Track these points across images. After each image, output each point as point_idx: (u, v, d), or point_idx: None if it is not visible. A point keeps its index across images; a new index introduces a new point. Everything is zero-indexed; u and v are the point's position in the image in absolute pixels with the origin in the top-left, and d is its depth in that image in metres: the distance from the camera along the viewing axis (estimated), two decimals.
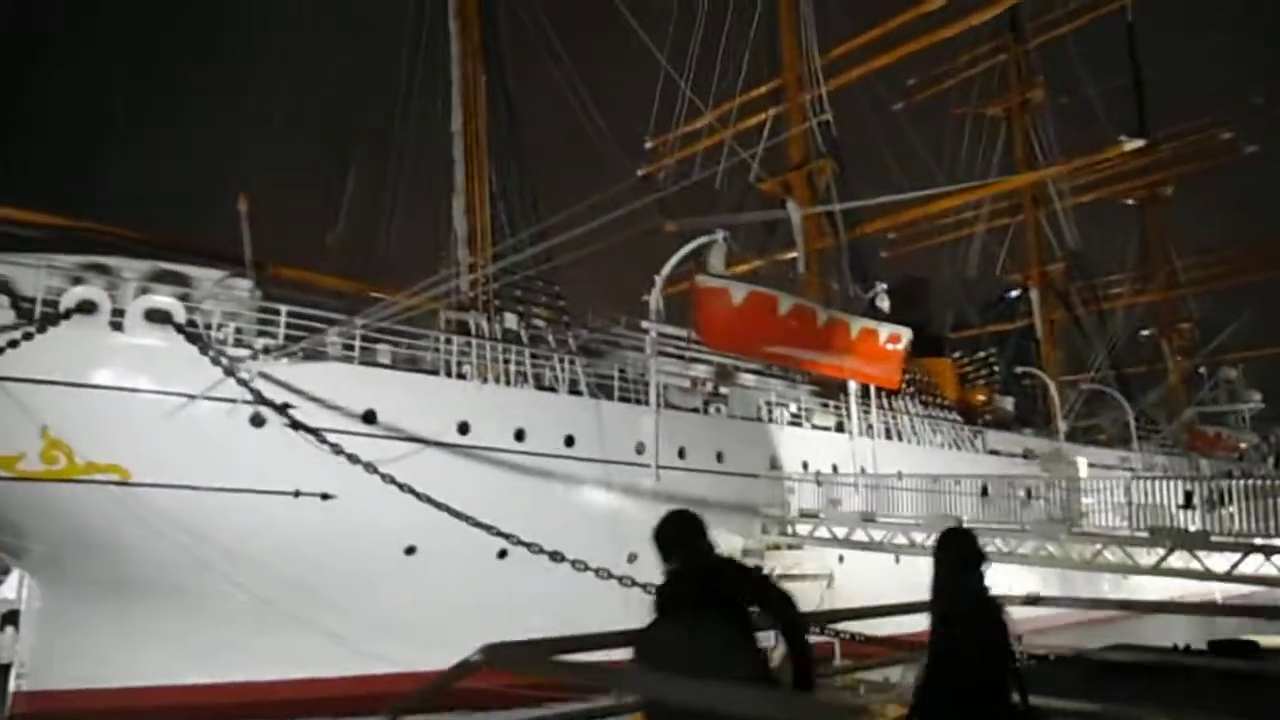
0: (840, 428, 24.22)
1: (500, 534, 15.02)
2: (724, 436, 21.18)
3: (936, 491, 17.18)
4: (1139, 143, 27.48)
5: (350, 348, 16.41)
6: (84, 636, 15.86)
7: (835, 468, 22.98)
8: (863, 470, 22.79)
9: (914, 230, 48.74)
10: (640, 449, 19.57)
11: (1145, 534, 14.26)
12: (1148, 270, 58.53)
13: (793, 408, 23.09)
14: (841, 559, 21.87)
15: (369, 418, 16.14)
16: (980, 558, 3.66)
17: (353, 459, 14.18)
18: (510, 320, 18.89)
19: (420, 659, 16.92)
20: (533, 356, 18.75)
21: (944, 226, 48.26)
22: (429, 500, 14.36)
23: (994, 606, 3.51)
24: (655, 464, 19.52)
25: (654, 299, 19.99)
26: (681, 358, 22.73)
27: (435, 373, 17.06)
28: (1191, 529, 13.59)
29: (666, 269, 20.05)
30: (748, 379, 24.54)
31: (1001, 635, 3.43)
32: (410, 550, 16.84)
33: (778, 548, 21.08)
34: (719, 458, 20.99)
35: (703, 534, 3.75)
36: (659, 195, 18.98)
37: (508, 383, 17.98)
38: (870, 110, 39.27)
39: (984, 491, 16.55)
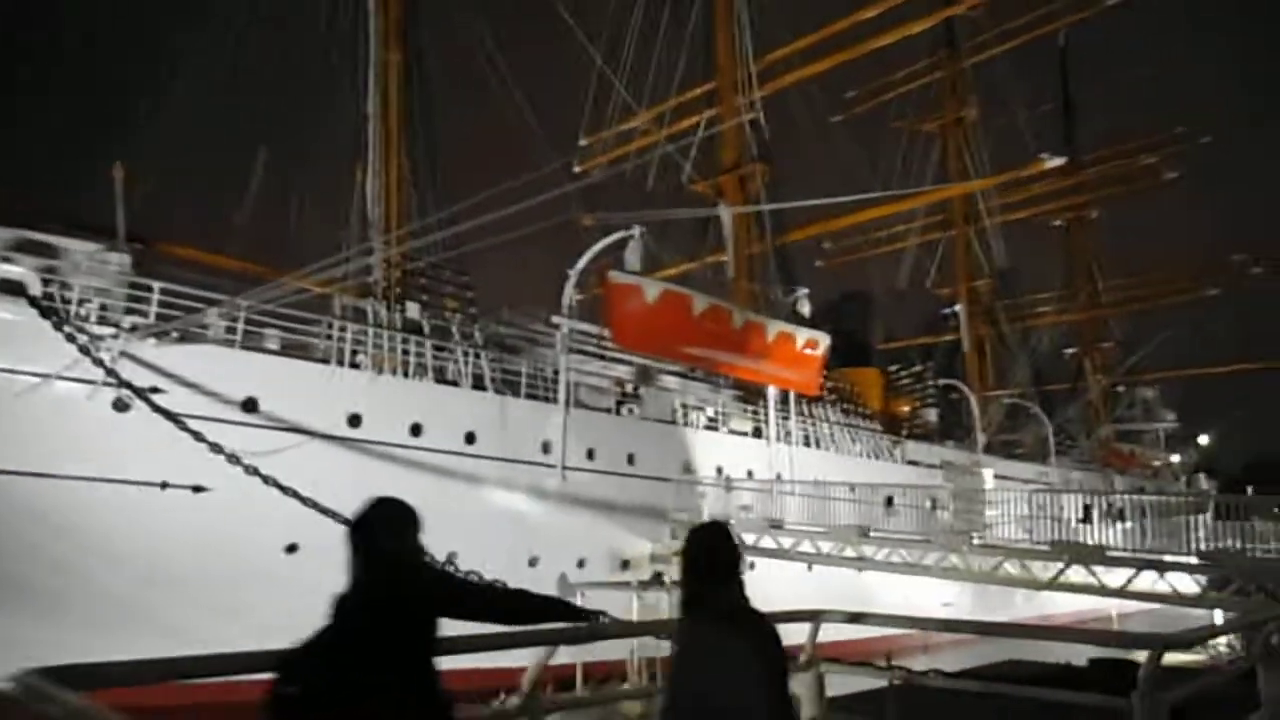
0: (758, 433, 23.85)
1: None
2: (636, 438, 20.60)
3: (841, 500, 16.84)
4: (1059, 161, 27.77)
5: (234, 331, 15.35)
6: None
7: (751, 474, 22.60)
8: (778, 477, 22.46)
9: (848, 241, 49.20)
10: (547, 448, 18.87)
11: (1045, 547, 14.08)
12: (1073, 290, 59.96)
13: (709, 411, 22.61)
14: (753, 566, 21.45)
15: (249, 406, 15.13)
16: (735, 564, 3.06)
17: (215, 448, 13.16)
18: (413, 310, 18.02)
19: None
20: (436, 348, 17.90)
21: (877, 239, 48.71)
22: (294, 494, 13.40)
23: (757, 624, 2.91)
24: (562, 464, 18.86)
25: (567, 294, 19.32)
26: (602, 357, 22.07)
27: (326, 361, 16.10)
28: (1089, 543, 13.42)
29: (581, 262, 19.41)
30: (670, 381, 24.02)
31: (771, 656, 2.83)
32: (292, 548, 15.85)
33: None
34: (630, 460, 20.38)
35: (409, 531, 3.05)
36: (579, 184, 18.25)
37: (406, 375, 17.08)
38: (807, 118, 39.14)
39: (888, 502, 16.24)
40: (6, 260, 14.12)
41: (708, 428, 22.67)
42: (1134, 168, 56.99)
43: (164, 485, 14.45)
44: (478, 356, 18.19)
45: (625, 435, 20.42)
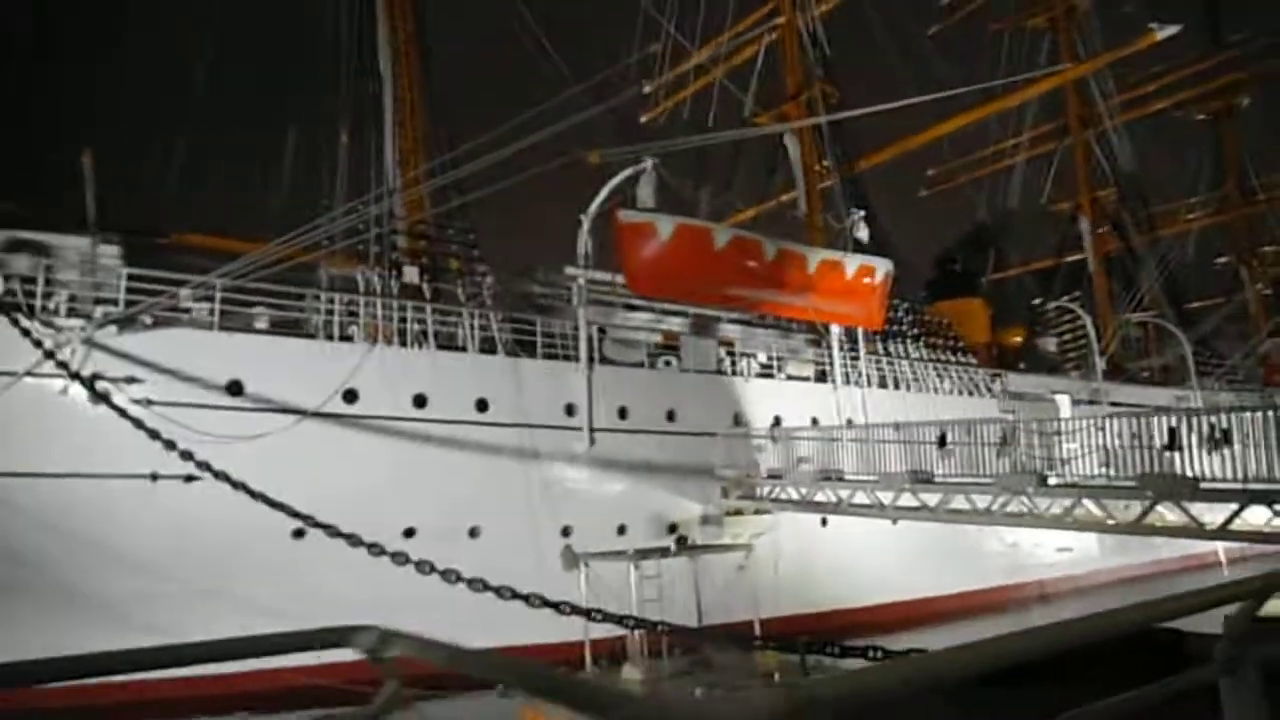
0: (823, 377, 21.65)
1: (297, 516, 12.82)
2: (676, 393, 18.92)
3: (892, 443, 14.63)
4: (1173, 29, 23.68)
5: (220, 313, 14.70)
6: None
7: (815, 422, 20.51)
8: (848, 423, 20.28)
9: (950, 165, 45.33)
10: (571, 411, 17.52)
11: (1128, 483, 11.54)
12: (1223, 191, 53.18)
13: (761, 357, 20.59)
14: (825, 522, 19.52)
15: (234, 388, 14.48)
16: None
17: (153, 435, 12.40)
18: (411, 274, 16.94)
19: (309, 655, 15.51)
20: (442, 313, 16.79)
21: (982, 160, 44.50)
22: (244, 488, 12.52)
23: None
24: (588, 426, 17.47)
25: (582, 241, 17.77)
26: (632, 308, 20.46)
27: (314, 336, 15.26)
28: (1179, 474, 10.82)
29: (595, 204, 17.79)
30: (730, 329, 22.10)
31: None
32: (299, 534, 15.22)
33: (739, 513, 18.78)
34: (670, 416, 18.75)
35: None
36: (582, 115, 16.48)
37: (404, 344, 16.05)
38: (885, 33, 35.70)
39: (941, 442, 13.93)
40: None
41: (761, 375, 20.67)
42: None
43: (154, 477, 14.01)
44: (484, 318, 16.96)
45: (662, 390, 18.78)
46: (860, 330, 22.15)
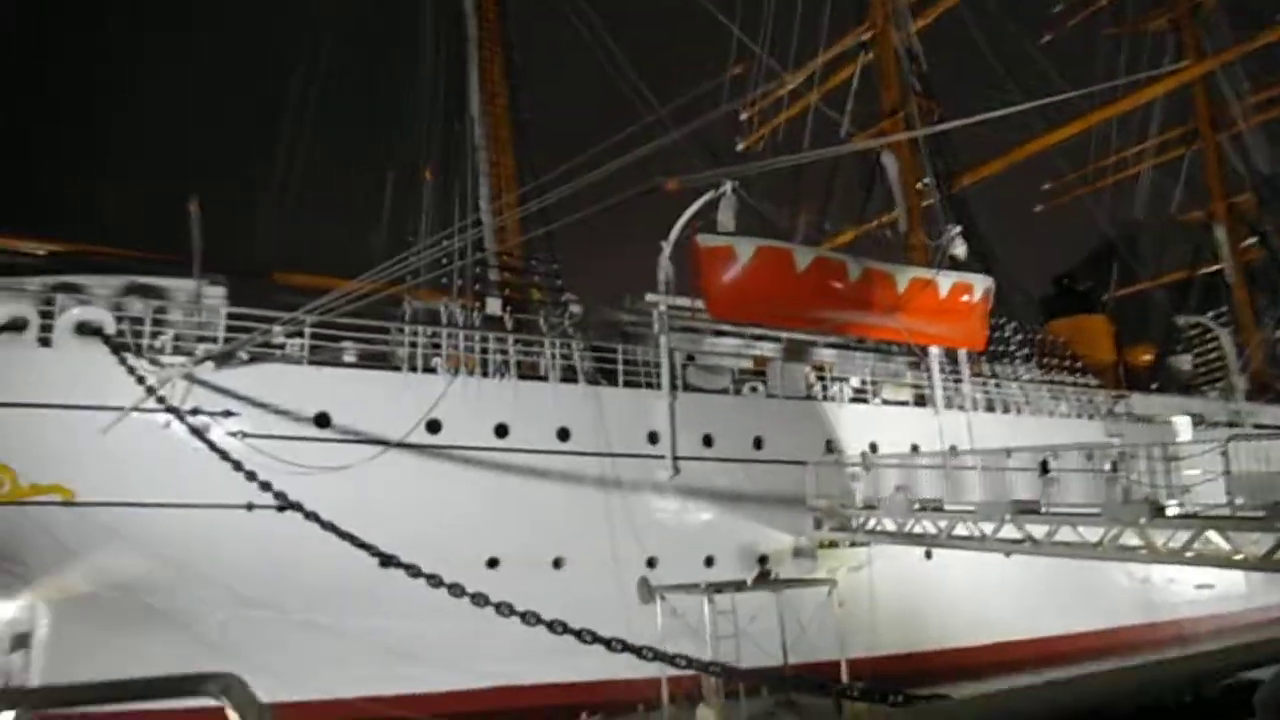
0: (924, 401, 20.63)
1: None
2: (762, 420, 18.38)
3: (969, 468, 13.67)
4: None
5: (310, 347, 15.25)
6: (88, 659, 15.67)
7: (915, 448, 19.54)
8: (952, 450, 19.22)
9: (1071, 179, 42.97)
10: (654, 439, 17.26)
11: (1259, 513, 10.33)
12: None
13: (854, 381, 19.80)
14: (929, 555, 18.48)
15: (321, 421, 14.92)
16: None
17: (237, 467, 12.80)
18: (493, 305, 17.15)
19: (397, 681, 15.68)
20: (523, 343, 16.89)
21: (1102, 170, 42.02)
22: (331, 528, 12.73)
23: None
24: (671, 454, 17.17)
25: (662, 266, 17.61)
26: (721, 334, 20.07)
27: (398, 368, 15.60)
28: None
29: (675, 230, 17.61)
30: (826, 354, 21.43)
31: None
32: (386, 562, 15.48)
33: (834, 545, 18.00)
34: (757, 444, 18.22)
35: None
36: (666, 139, 16.35)
37: (486, 374, 16.21)
38: (992, 45, 34.29)
39: (1043, 469, 12.90)
40: (118, 307, 14.96)
41: (855, 400, 19.87)
42: None
43: (250, 507, 14.53)
44: (565, 347, 16.96)
45: (748, 417, 18.28)
46: (963, 351, 21.06)
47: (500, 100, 22.61)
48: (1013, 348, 23.21)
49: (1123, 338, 37.71)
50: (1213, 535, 11.17)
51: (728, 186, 16.96)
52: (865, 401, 19.90)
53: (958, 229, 20.46)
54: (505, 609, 12.73)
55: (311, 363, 15.06)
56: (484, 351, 16.31)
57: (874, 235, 29.25)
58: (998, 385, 22.14)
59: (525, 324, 17.40)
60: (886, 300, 17.64)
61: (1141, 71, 39.56)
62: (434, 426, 15.59)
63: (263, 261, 19.72)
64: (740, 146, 36.02)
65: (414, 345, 15.76)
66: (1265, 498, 10.53)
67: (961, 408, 20.91)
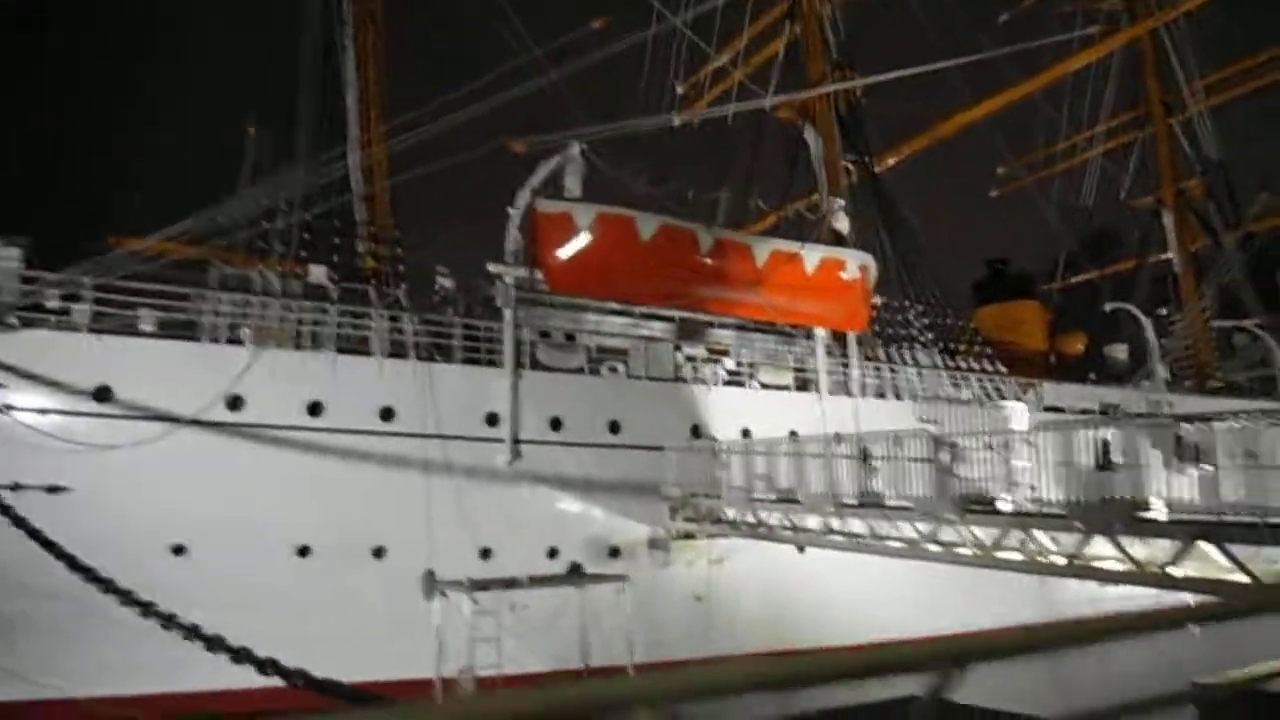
0: (806, 386, 19.42)
1: None
2: (620, 402, 17.14)
3: (788, 455, 12.47)
4: None
5: (93, 314, 13.91)
6: None
7: (794, 435, 18.32)
8: (836, 438, 18.00)
9: (1024, 163, 41.78)
10: (493, 421, 16.01)
11: (1058, 511, 9.14)
12: None
13: (729, 364, 18.54)
14: (802, 549, 17.26)
15: (101, 394, 13.60)
16: None
17: None
18: (317, 274, 15.82)
19: (182, 675, 14.43)
20: (352, 315, 15.60)
21: (1052, 156, 40.89)
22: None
23: None
24: (511, 437, 15.92)
25: (510, 235, 16.29)
26: (609, 312, 18.67)
27: (195, 338, 14.29)
28: (1105, 500, 8.40)
29: (521, 197, 16.29)
30: (724, 335, 20.13)
31: None
32: (179, 550, 14.24)
33: (690, 536, 16.81)
34: (613, 428, 16.98)
35: None
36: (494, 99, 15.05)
37: (300, 347, 14.90)
38: (925, 17, 32.92)
39: (864, 457, 11.70)
40: None
41: (730, 383, 18.64)
42: None
43: (15, 487, 13.24)
44: (395, 319, 15.67)
45: (605, 399, 17.04)
46: (853, 335, 19.85)
47: (373, 64, 21.21)
48: (914, 332, 22.00)
49: (1060, 325, 36.67)
50: (1039, 535, 10.01)
51: (575, 149, 15.65)
52: (740, 385, 18.66)
53: (840, 203, 19.20)
54: (217, 645, 11.70)
55: (92, 330, 13.72)
56: (300, 323, 14.99)
57: (796, 216, 28.04)
58: (893, 371, 20.93)
59: (357, 295, 16.07)
60: (745, 274, 16.40)
61: (1091, 48, 38.48)
62: (235, 403, 14.30)
63: (101, 226, 18.36)
64: (676, 121, 34.69)
65: (218, 314, 14.43)
66: (1090, 493, 9.34)
67: (851, 393, 19.71)
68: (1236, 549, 8.20)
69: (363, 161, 18.16)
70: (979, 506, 10.49)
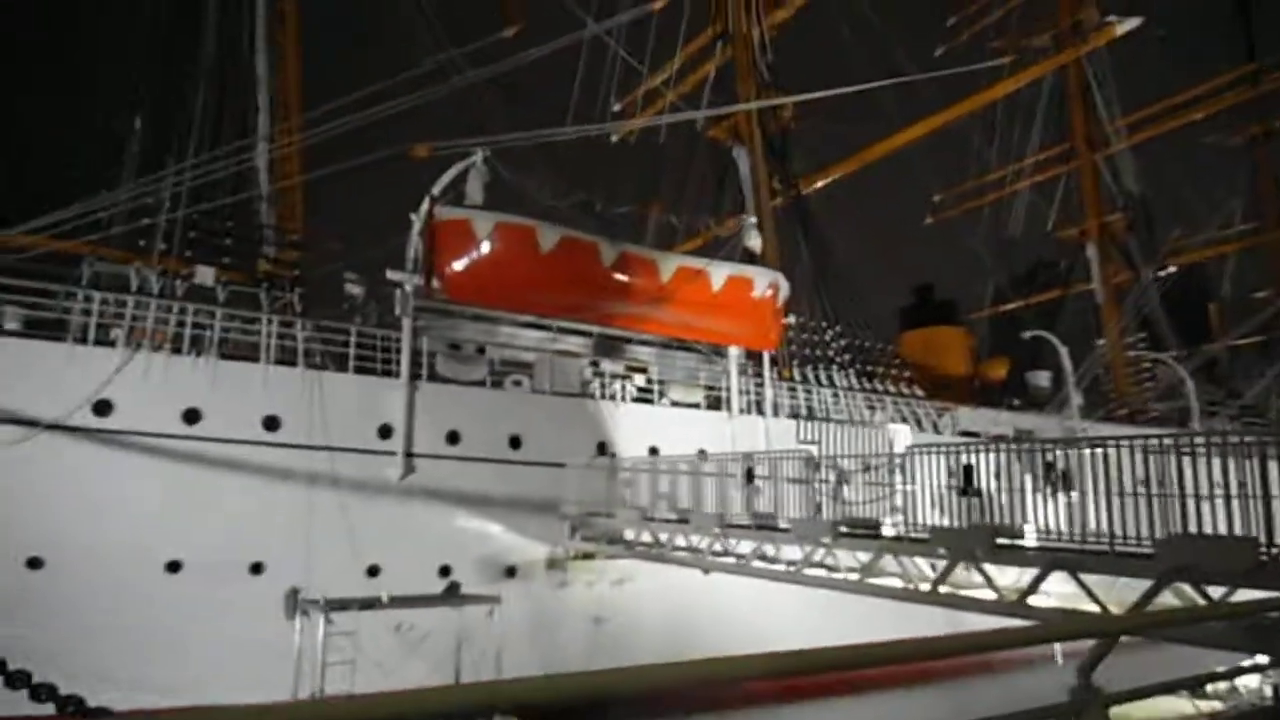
0: (719, 405, 19.19)
1: None
2: (523, 417, 16.70)
3: (668, 473, 12.20)
4: (1132, 23, 21.00)
5: None
6: None
7: (703, 454, 18.05)
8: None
9: (956, 193, 42.60)
10: (387, 433, 15.45)
11: (923, 535, 8.96)
12: (1264, 220, 49.43)
13: (639, 380, 18.23)
14: (707, 571, 16.93)
15: None
16: None
17: None
18: (205, 275, 15.14)
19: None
20: (242, 320, 14.93)
21: (984, 186, 41.80)
22: None
23: None
24: (404, 451, 15.37)
25: (411, 241, 15.80)
26: (525, 325, 18.16)
27: (61, 338, 13.52)
28: (968, 526, 8.23)
29: (425, 204, 15.83)
30: (642, 352, 19.77)
31: None
32: (35, 563, 13.38)
33: (590, 556, 16.40)
34: (514, 443, 16.53)
35: None
36: (395, 104, 14.66)
37: (180, 351, 14.19)
38: (858, 45, 33.36)
39: (749, 477, 11.46)
40: None
41: (640, 399, 18.32)
42: None
43: None
44: (288, 325, 15.04)
45: (506, 414, 16.58)
46: (767, 355, 19.70)
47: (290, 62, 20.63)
48: (832, 353, 21.97)
49: (994, 352, 37.28)
50: (909, 560, 9.81)
51: (478, 155, 15.27)
52: (649, 402, 18.35)
53: (752, 219, 19.11)
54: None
55: None
56: (181, 325, 14.28)
57: (722, 237, 28.00)
58: (809, 392, 20.84)
59: (241, 297, 15.40)
60: (649, 289, 16.14)
61: (1005, 79, 39.41)
62: (104, 408, 13.53)
63: None
64: (614, 138, 34.65)
65: (87, 313, 13.67)
66: (957, 518, 9.17)
67: (763, 413, 19.54)
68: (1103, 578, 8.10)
69: (271, 158, 17.57)
70: (861, 530, 10.29)
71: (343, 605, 11.67)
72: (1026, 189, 41.11)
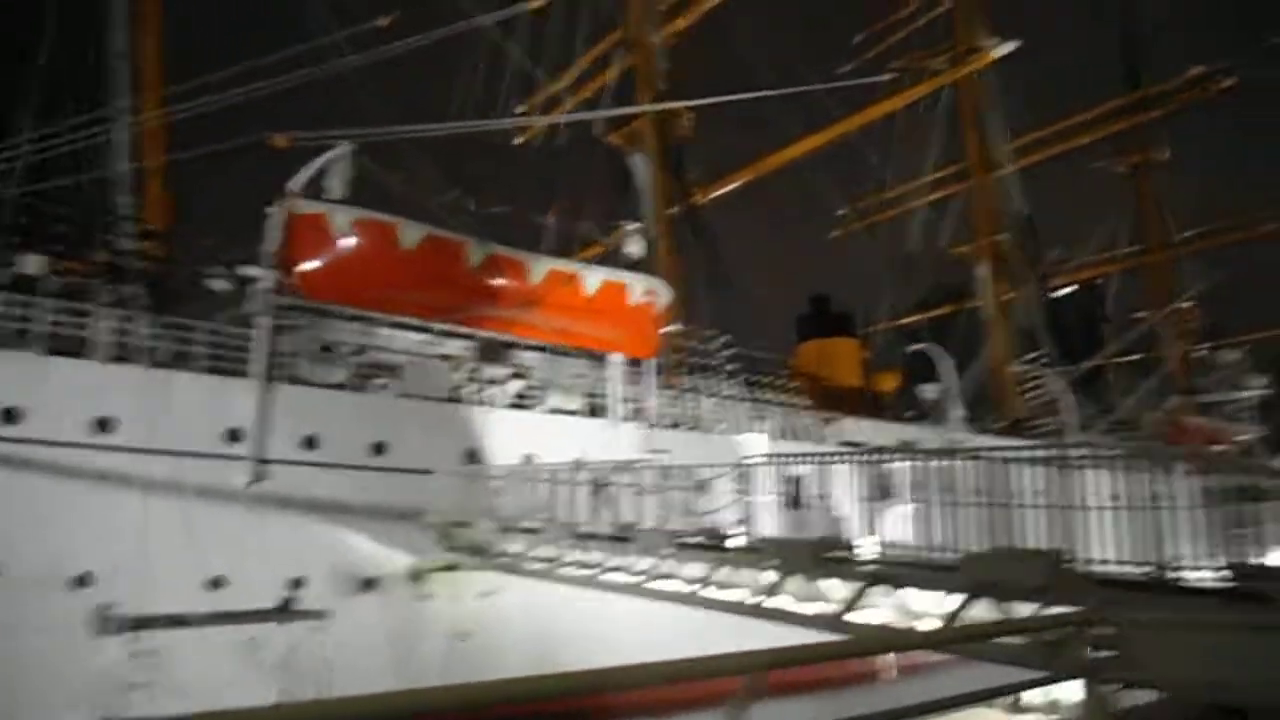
0: (598, 412, 18.88)
1: None
2: (388, 422, 16.05)
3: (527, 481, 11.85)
4: (1010, 46, 21.67)
5: None
6: None
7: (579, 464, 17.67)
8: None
9: (860, 208, 43.52)
10: (236, 436, 14.61)
11: (759, 546, 8.80)
12: (1146, 245, 52.13)
13: (514, 386, 17.77)
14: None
15: None
16: None
17: None
18: (32, 264, 14.07)
19: None
20: (70, 312, 13.90)
21: (885, 202, 42.85)
22: None
23: None
24: (255, 456, 14.55)
25: (268, 236, 15.00)
26: (401, 325, 17.43)
27: None
28: (803, 541, 8.09)
29: (285, 199, 15.06)
30: (528, 357, 19.25)
31: None
32: None
33: (454, 567, 15.84)
34: (378, 449, 15.88)
35: None
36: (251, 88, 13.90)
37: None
38: (757, 54, 33.63)
39: (595, 489, 11.18)
40: None
41: (516, 406, 17.87)
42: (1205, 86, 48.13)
43: None
44: (128, 319, 14.09)
45: (368, 418, 15.92)
46: (652, 361, 19.49)
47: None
48: (717, 362, 21.94)
49: (890, 364, 38.02)
50: (772, 575, 9.60)
51: (344, 148, 14.62)
52: (525, 408, 17.91)
53: (636, 225, 18.94)
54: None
55: None
56: (2, 317, 13.21)
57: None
58: (694, 401, 20.73)
59: (77, 290, 14.36)
60: (519, 292, 15.75)
61: (922, 111, 40.63)
62: None
63: None
64: (517, 141, 34.21)
65: None
66: (790, 530, 9.04)
67: (649, 423, 19.30)
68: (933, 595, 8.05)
69: (118, 137, 16.53)
70: (706, 542, 10.08)
71: (147, 623, 10.86)
72: (924, 207, 42.28)
